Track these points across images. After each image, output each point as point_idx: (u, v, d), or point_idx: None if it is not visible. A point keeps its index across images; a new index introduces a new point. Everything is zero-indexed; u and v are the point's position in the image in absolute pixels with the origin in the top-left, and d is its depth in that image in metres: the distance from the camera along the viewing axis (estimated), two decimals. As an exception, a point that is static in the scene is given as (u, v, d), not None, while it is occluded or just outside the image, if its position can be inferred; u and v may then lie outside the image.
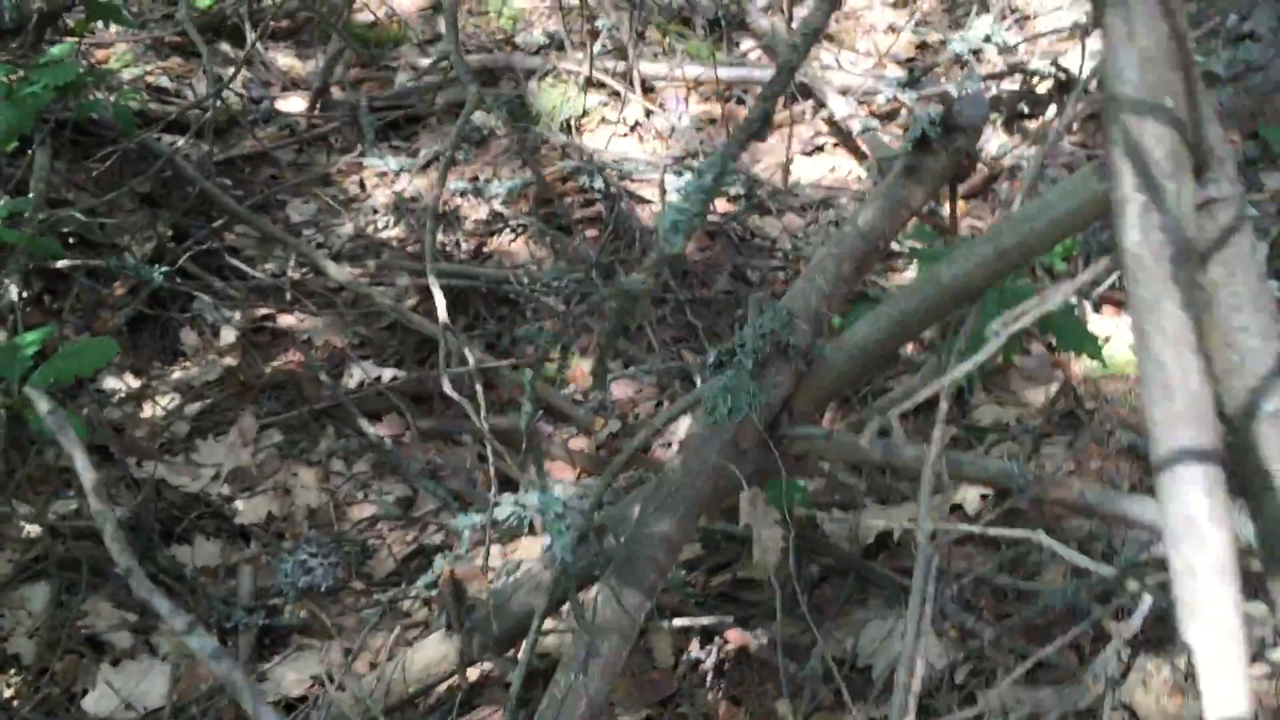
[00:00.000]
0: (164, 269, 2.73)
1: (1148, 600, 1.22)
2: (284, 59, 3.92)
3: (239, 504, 2.53)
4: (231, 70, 3.73)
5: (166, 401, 2.77)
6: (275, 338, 2.95)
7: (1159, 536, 1.66)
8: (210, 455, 2.63)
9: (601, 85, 3.69)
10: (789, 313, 1.52)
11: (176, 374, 2.85)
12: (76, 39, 3.00)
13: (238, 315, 2.94)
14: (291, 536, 2.47)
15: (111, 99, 3.02)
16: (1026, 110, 3.39)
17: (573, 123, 3.58)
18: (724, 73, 3.69)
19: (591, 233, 3.27)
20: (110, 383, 2.79)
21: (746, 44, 3.94)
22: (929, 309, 1.45)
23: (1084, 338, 2.03)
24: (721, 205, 3.27)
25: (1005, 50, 3.65)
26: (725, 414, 1.47)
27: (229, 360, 2.87)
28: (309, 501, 2.54)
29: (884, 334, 1.49)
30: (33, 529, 2.37)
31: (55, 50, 2.57)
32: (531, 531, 2.41)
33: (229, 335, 2.92)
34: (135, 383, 2.81)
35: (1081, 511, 1.64)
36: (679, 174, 3.26)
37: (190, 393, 2.80)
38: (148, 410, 2.74)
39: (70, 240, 2.97)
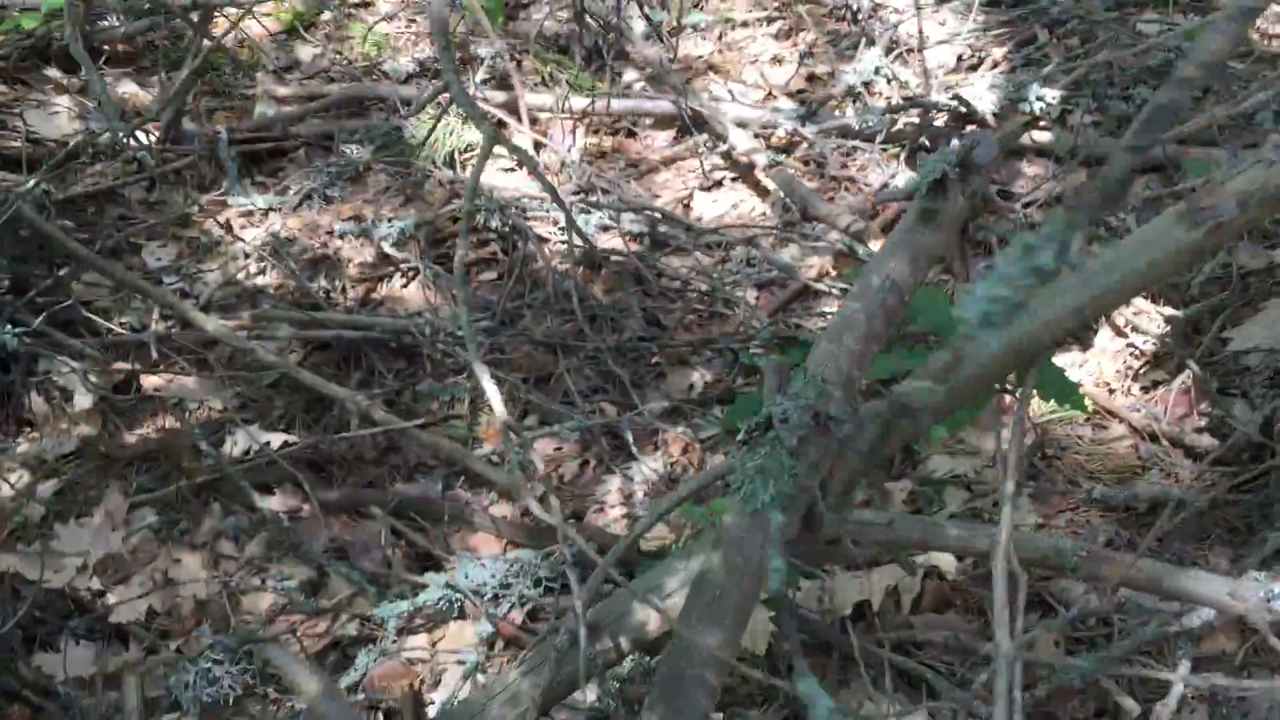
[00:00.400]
0: (12, 329, 2.35)
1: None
2: (125, 86, 3.53)
3: (112, 599, 2.18)
4: (66, 99, 3.36)
5: (15, 479, 2.39)
6: (140, 401, 2.60)
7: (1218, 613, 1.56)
8: (73, 542, 2.27)
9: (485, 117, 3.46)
10: (822, 379, 1.34)
11: (23, 447, 2.47)
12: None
13: (93, 377, 2.57)
14: (178, 635, 2.14)
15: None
16: (928, 145, 3.33)
17: (457, 156, 3.34)
18: (616, 104, 3.51)
19: (487, 275, 3.03)
20: (-60, 459, 2.39)
21: (629, 75, 3.78)
22: (990, 371, 1.30)
23: (1065, 387, 1.93)
24: (618, 243, 3.09)
25: (895, 82, 3.61)
26: (767, 501, 1.28)
27: (85, 429, 2.50)
28: (195, 592, 2.21)
29: (938, 400, 1.33)
30: None
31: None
32: (461, 616, 2.15)
33: (84, 400, 2.55)
34: (-28, 459, 2.41)
35: (1142, 589, 1.52)
36: (586, 212, 3.06)
37: (42, 468, 2.43)
38: (-11, 492, 2.35)
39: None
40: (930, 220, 1.53)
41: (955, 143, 1.58)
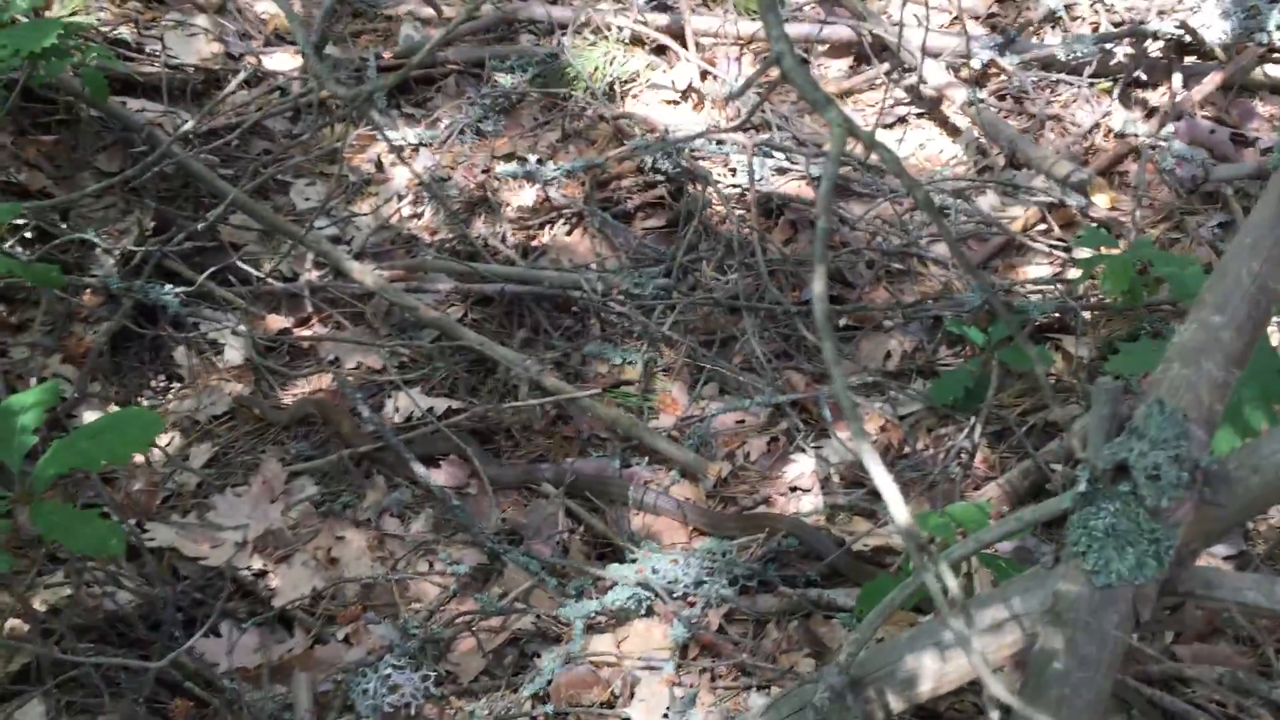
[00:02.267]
0: (173, 290, 2.18)
1: None
2: (262, 5, 3.32)
3: (275, 580, 2.02)
4: (203, 19, 3.16)
5: (166, 442, 2.24)
6: (294, 358, 2.43)
7: None
8: (230, 514, 2.12)
9: (642, 41, 3.18)
10: (1184, 415, 1.08)
11: (173, 405, 2.31)
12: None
13: (244, 329, 2.40)
14: (344, 621, 1.97)
15: (76, 59, 2.42)
16: (1144, 78, 2.97)
17: (617, 86, 3.07)
18: (788, 29, 3.19)
19: (653, 221, 2.78)
20: (88, 416, 2.24)
21: (799, -5, 3.45)
22: None
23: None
24: (795, 188, 2.81)
25: (1101, 4, 3.23)
26: (1124, 574, 1.03)
27: (239, 387, 2.34)
28: (361, 573, 2.04)
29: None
30: (16, 624, 1.85)
31: (19, 3, 1.98)
32: (649, 613, 1.95)
33: (235, 355, 2.39)
34: (123, 417, 2.26)
35: None
36: (766, 154, 2.78)
37: (195, 431, 2.27)
38: (141, 454, 2.20)
39: (27, 234, 2.39)
40: (1298, 210, 1.24)
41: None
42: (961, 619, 0.99)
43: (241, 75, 2.93)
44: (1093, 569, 1.07)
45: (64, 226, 2.46)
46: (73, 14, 3.05)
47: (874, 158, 2.95)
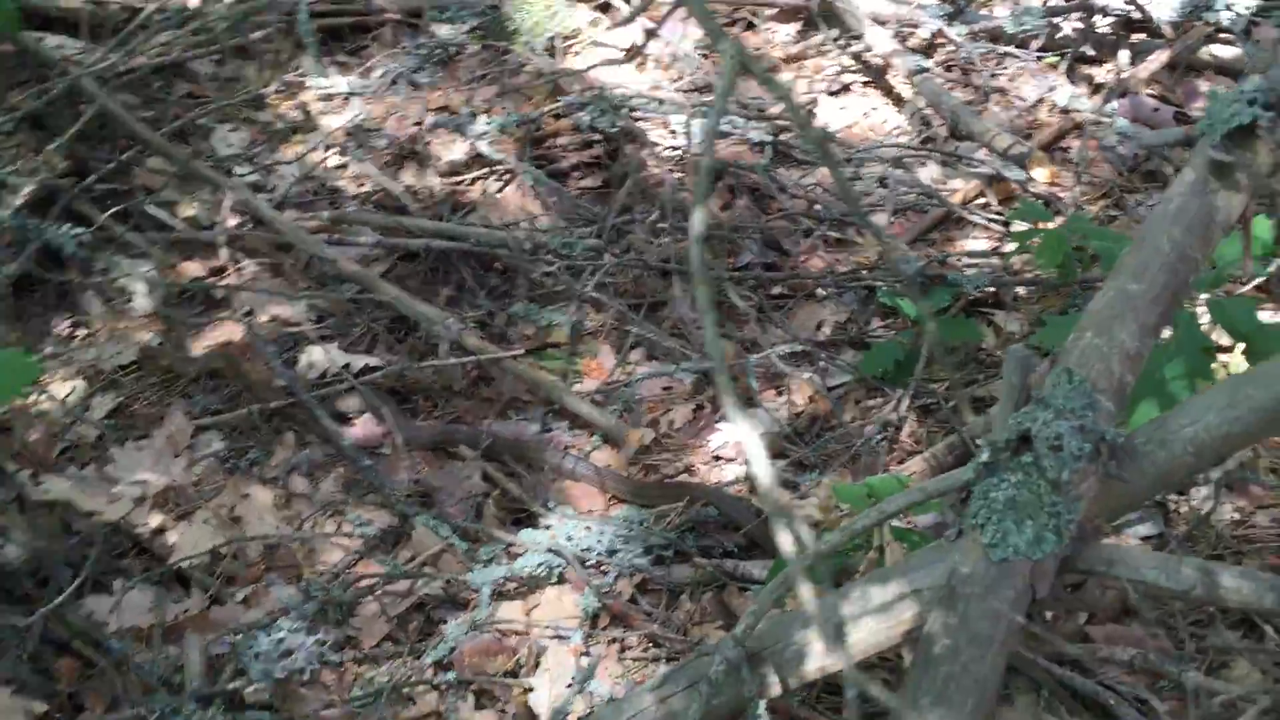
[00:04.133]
0: (70, 230, 2.08)
1: None
2: (194, -56, 3.19)
3: (173, 537, 1.95)
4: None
5: (66, 393, 2.15)
6: (207, 308, 2.34)
7: None
8: (130, 468, 2.03)
9: (588, -2, 3.11)
10: (1092, 385, 1.04)
11: (77, 353, 2.22)
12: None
13: (154, 275, 2.31)
14: (244, 583, 1.90)
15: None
16: (1092, 53, 2.93)
17: (558, 42, 2.99)
18: (734, -10, 3.14)
19: (589, 181, 2.71)
20: (-11, 363, 2.14)
21: (750, -44, 3.37)
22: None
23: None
24: (735, 151, 2.75)
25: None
26: (1022, 548, 0.99)
27: (147, 336, 2.25)
28: (265, 532, 1.97)
29: (1242, 426, 1.02)
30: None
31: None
32: (560, 581, 1.90)
33: (145, 303, 2.29)
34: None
35: None
36: (705, 116, 2.71)
37: (99, 380, 2.18)
38: (42, 404, 2.11)
39: (-72, 171, 2.29)
40: (1226, 177, 1.19)
41: (1257, 77, 1.23)
42: (837, 596, 0.94)
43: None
44: (989, 542, 1.03)
45: (-31, 164, 2.35)
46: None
47: (822, 123, 2.90)
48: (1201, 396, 1.07)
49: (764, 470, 0.87)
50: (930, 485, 1.12)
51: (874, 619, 1.11)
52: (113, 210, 2.29)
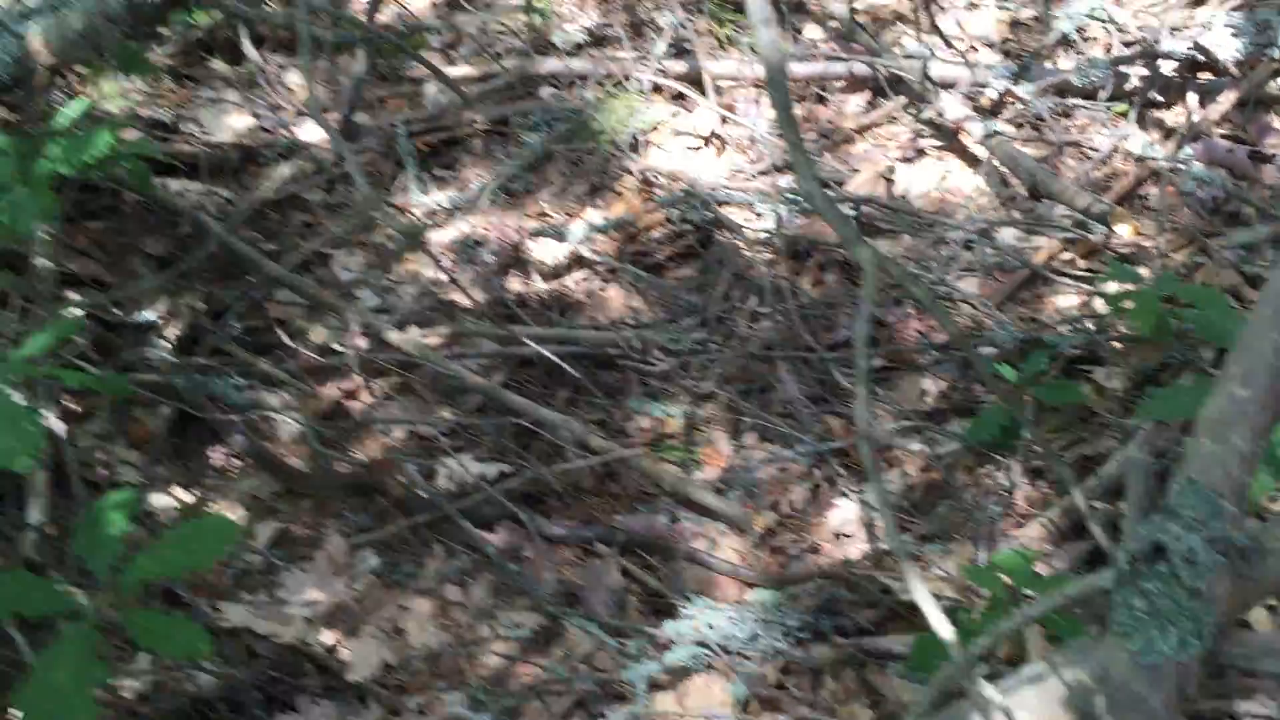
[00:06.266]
0: (232, 380, 2.27)
1: None
2: (292, 76, 3.41)
3: (345, 653, 2.10)
4: (234, 93, 3.25)
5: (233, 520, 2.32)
6: (347, 429, 2.51)
7: None
8: (298, 590, 2.20)
9: (660, 89, 3.25)
10: (1215, 493, 1.14)
11: (235, 484, 2.40)
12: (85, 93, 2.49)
13: (295, 404, 2.48)
14: (415, 691, 2.05)
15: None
16: (1159, 99, 3.01)
17: (639, 138, 3.14)
18: (801, 68, 3.26)
19: (684, 271, 2.85)
20: (157, 499, 2.33)
21: (811, 32, 3.50)
22: None
23: None
24: (821, 228, 2.86)
25: (1111, 25, 3.27)
26: (1170, 651, 1.09)
27: (296, 462, 2.42)
28: (428, 643, 2.12)
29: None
30: (107, 714, 1.93)
31: (68, 111, 2.07)
32: (709, 669, 2.02)
33: (291, 429, 2.47)
34: (189, 498, 2.35)
35: None
36: (791, 201, 2.85)
37: (258, 508, 2.36)
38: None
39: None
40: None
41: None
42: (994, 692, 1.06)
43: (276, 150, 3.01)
44: (1138, 649, 1.13)
45: (117, 312, 2.55)
46: (108, 97, 3.16)
47: (900, 191, 3.01)
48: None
49: (934, 614, 0.99)
50: (1070, 590, 1.22)
51: (1030, 716, 1.21)
52: (258, 346, 2.46)
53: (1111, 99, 3.03)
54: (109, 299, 2.52)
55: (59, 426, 1.95)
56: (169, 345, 2.51)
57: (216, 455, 2.44)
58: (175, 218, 2.77)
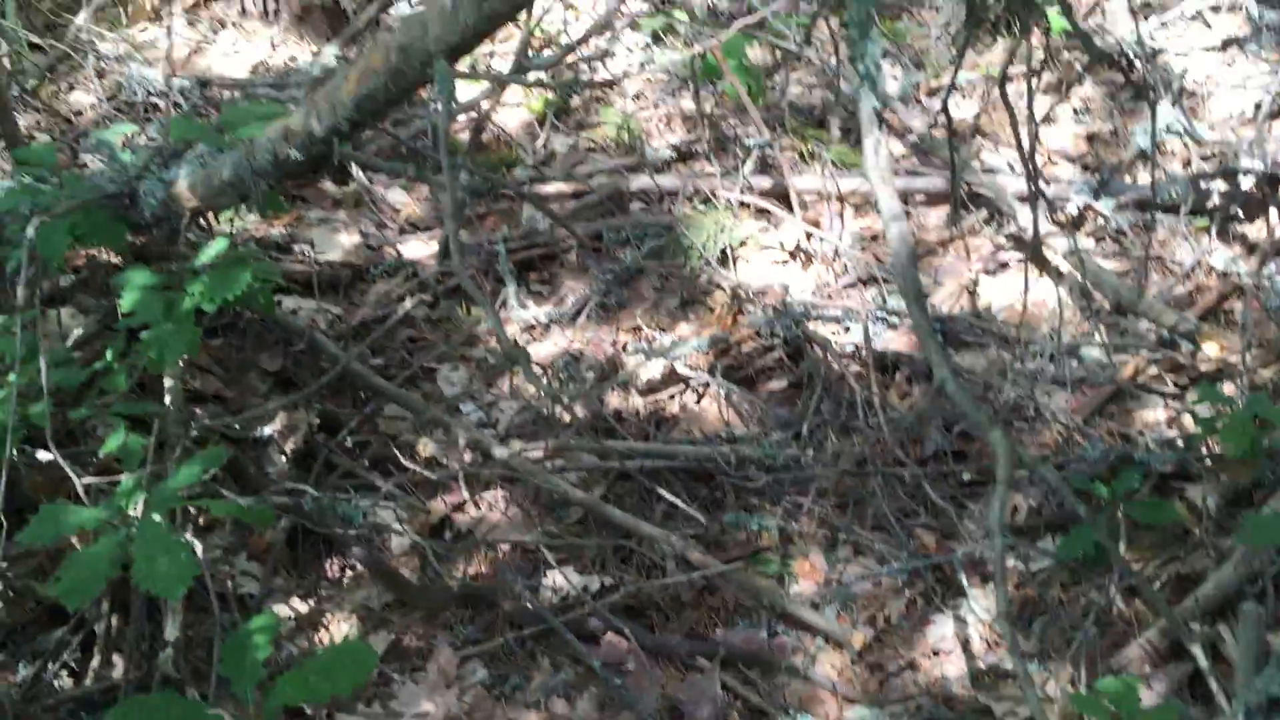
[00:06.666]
0: (357, 501, 2.39)
1: None
2: (394, 194, 3.59)
3: (459, 766, 2.18)
4: (342, 212, 3.44)
5: (342, 633, 2.42)
6: (455, 541, 2.61)
7: None
8: (411, 701, 2.29)
9: (746, 205, 3.37)
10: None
11: (349, 595, 2.50)
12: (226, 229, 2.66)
13: (405, 515, 2.59)
14: (526, 805, 2.12)
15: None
16: (1240, 214, 3.07)
17: (730, 252, 3.25)
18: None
19: (775, 384, 2.94)
20: (277, 608, 2.44)
21: (892, 145, 3.62)
22: None
23: None
24: (907, 341, 2.95)
25: (1188, 139, 3.34)
26: (1288, 808, 1.14)
27: (407, 574, 2.52)
28: (537, 757, 2.19)
29: None
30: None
31: (211, 250, 2.23)
32: (813, 786, 2.07)
33: (402, 542, 2.58)
34: (304, 608, 2.46)
35: None
36: (881, 318, 2.94)
37: (370, 618, 2.46)
38: (324, 644, 2.39)
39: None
40: None
41: None
42: None
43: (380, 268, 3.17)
44: (1260, 802, 1.18)
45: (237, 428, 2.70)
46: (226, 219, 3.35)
47: (983, 303, 3.09)
48: None
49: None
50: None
51: None
52: (359, 451, 2.59)
53: (1192, 213, 3.09)
54: (235, 418, 2.67)
55: (197, 546, 2.07)
56: (286, 459, 2.64)
57: (331, 566, 2.55)
58: (290, 335, 2.93)
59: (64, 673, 2.20)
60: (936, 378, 1.18)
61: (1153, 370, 2.77)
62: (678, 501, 2.58)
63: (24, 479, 2.26)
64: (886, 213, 1.38)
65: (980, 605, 2.34)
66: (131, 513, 1.83)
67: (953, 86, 2.22)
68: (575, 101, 3.91)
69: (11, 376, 2.00)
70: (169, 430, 2.32)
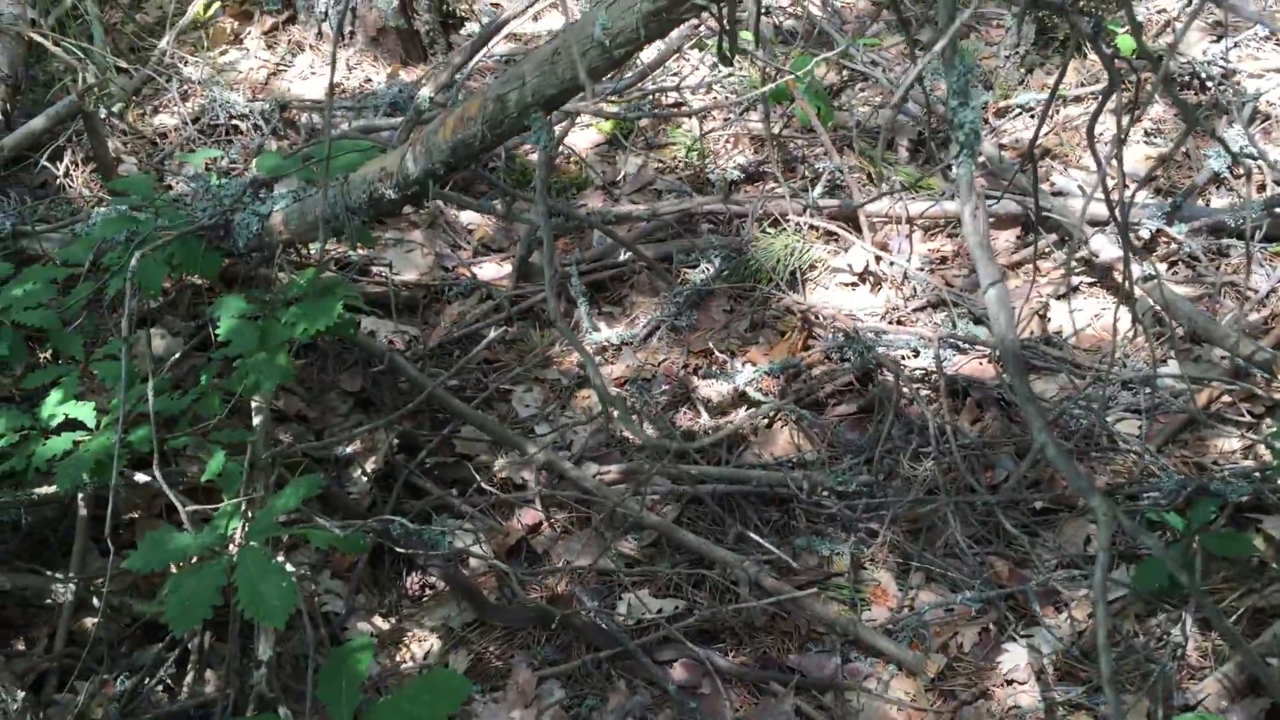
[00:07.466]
0: (441, 530, 2.45)
1: None
2: (467, 216, 3.66)
3: (537, 786, 2.24)
4: (418, 235, 3.51)
5: (424, 650, 2.49)
6: (531, 563, 2.67)
7: None
8: (490, 720, 2.34)
9: (815, 227, 3.40)
10: None
11: (428, 612, 2.57)
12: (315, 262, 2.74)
13: (484, 535, 2.66)
14: (603, 825, 2.17)
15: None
16: (1318, 242, 3.05)
17: (799, 275, 3.28)
18: (949, 205, 3.39)
19: (845, 408, 2.96)
20: (359, 626, 2.51)
21: (960, 166, 3.61)
22: None
23: None
24: (977, 366, 2.96)
25: (1262, 162, 3.32)
26: None
27: (486, 594, 2.58)
28: (614, 777, 2.24)
29: None
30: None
31: (302, 280, 2.30)
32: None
33: (480, 563, 2.64)
34: (385, 625, 2.53)
35: None
36: (952, 345, 2.95)
37: (450, 637, 2.52)
38: (406, 662, 2.46)
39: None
40: None
41: None
42: None
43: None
44: None
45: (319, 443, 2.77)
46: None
47: (1055, 328, 3.09)
48: None
49: None
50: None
51: None
52: (441, 479, 2.65)
53: (1267, 239, 3.07)
54: (319, 439, 2.75)
55: (289, 567, 2.14)
56: (367, 479, 2.72)
57: (412, 584, 2.62)
58: (370, 356, 3.00)
59: (159, 688, 2.29)
60: (1036, 442, 1.20)
61: (1227, 399, 2.76)
62: (754, 521, 2.62)
63: (120, 500, 2.36)
64: (985, 278, 1.41)
65: (1054, 635, 2.36)
66: (231, 537, 1.90)
67: (1042, 118, 2.20)
68: (644, 122, 3.95)
69: (115, 402, 2.08)
70: (259, 452, 2.40)
